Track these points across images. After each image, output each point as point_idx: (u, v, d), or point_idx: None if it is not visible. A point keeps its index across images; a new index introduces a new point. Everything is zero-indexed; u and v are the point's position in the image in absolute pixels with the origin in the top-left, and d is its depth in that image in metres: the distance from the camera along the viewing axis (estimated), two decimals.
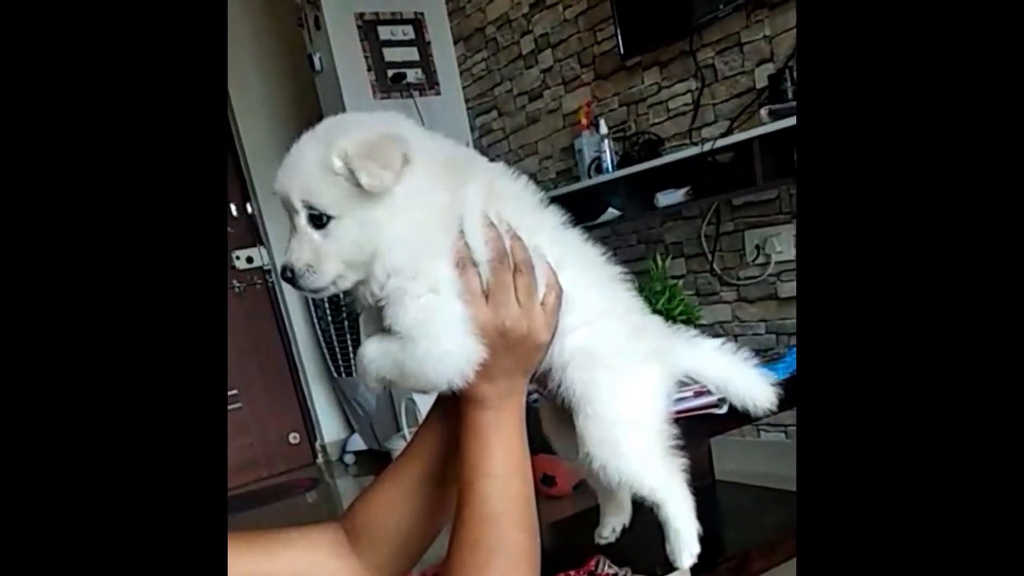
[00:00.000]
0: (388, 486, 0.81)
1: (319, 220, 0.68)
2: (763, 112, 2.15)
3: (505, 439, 0.72)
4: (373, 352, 0.72)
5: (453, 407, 0.74)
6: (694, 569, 1.86)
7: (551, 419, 0.85)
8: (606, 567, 1.79)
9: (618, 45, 2.61)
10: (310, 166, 0.68)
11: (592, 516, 1.09)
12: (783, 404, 0.88)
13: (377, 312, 0.71)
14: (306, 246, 0.69)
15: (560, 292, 0.73)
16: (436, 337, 0.68)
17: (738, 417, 1.71)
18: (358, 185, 0.65)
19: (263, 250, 3.92)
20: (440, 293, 0.68)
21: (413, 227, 0.68)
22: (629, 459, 0.77)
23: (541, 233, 0.74)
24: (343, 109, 3.18)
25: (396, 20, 3.32)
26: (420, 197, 0.68)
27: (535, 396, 0.82)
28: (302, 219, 0.69)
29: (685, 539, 0.80)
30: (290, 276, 0.70)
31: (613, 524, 0.92)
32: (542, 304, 0.71)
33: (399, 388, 0.73)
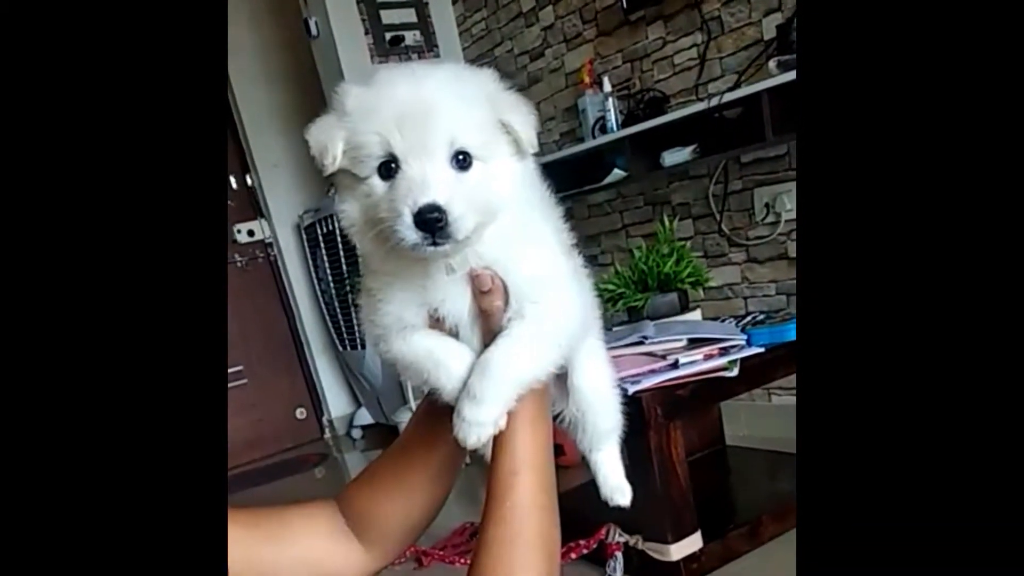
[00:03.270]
0: (392, 482, 0.80)
1: (461, 161, 0.63)
2: (772, 64, 2.07)
3: (546, 429, 0.73)
4: (501, 349, 0.67)
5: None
6: (705, 535, 1.83)
7: None
8: (616, 535, 1.77)
9: None
10: (464, 105, 0.64)
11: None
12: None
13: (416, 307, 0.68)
14: (458, 187, 0.62)
15: None
16: (574, 289, 0.71)
17: (748, 381, 1.68)
18: (504, 136, 0.66)
19: (264, 223, 3.86)
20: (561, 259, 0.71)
21: (530, 185, 0.70)
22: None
23: None
24: (340, 74, 3.11)
25: None
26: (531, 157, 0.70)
27: None
28: (442, 155, 0.62)
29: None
30: (438, 219, 0.60)
31: None
32: None
33: (528, 376, 0.68)
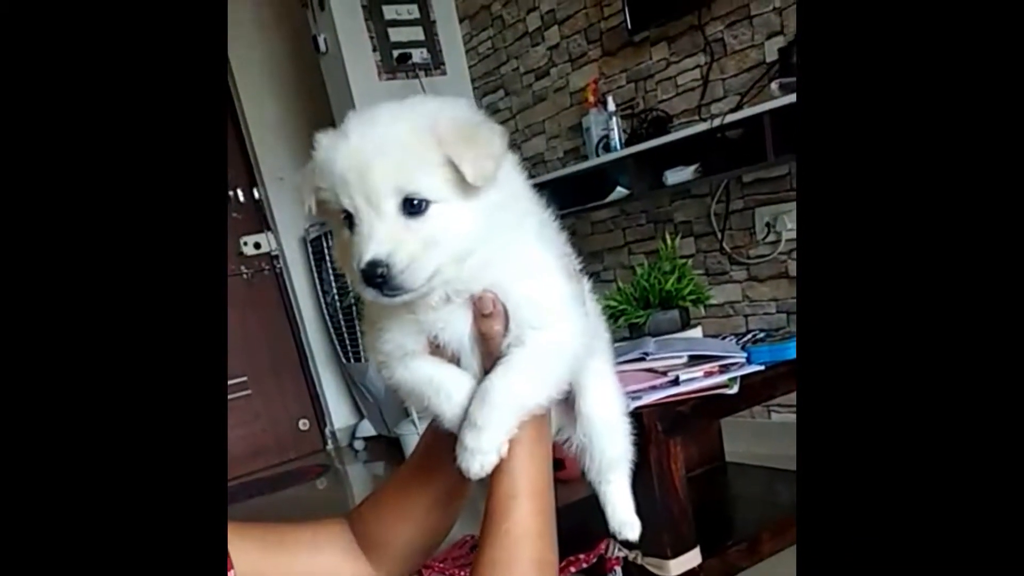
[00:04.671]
0: (402, 503, 0.81)
1: (415, 206, 0.61)
2: (773, 86, 2.10)
3: (546, 453, 0.72)
4: (501, 376, 0.66)
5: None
6: (705, 551, 1.84)
7: None
8: (616, 550, 1.77)
9: (625, 20, 2.56)
10: (406, 150, 0.61)
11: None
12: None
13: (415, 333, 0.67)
14: (405, 236, 0.61)
15: None
16: (575, 315, 0.69)
17: (748, 398, 1.69)
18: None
19: (270, 236, 3.89)
20: (562, 284, 0.69)
21: (516, 212, 0.67)
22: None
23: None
24: (348, 91, 3.15)
25: None
26: (514, 179, 0.68)
27: None
28: (390, 206, 0.61)
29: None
30: (381, 275, 0.60)
31: None
32: None
33: (529, 402, 0.68)
